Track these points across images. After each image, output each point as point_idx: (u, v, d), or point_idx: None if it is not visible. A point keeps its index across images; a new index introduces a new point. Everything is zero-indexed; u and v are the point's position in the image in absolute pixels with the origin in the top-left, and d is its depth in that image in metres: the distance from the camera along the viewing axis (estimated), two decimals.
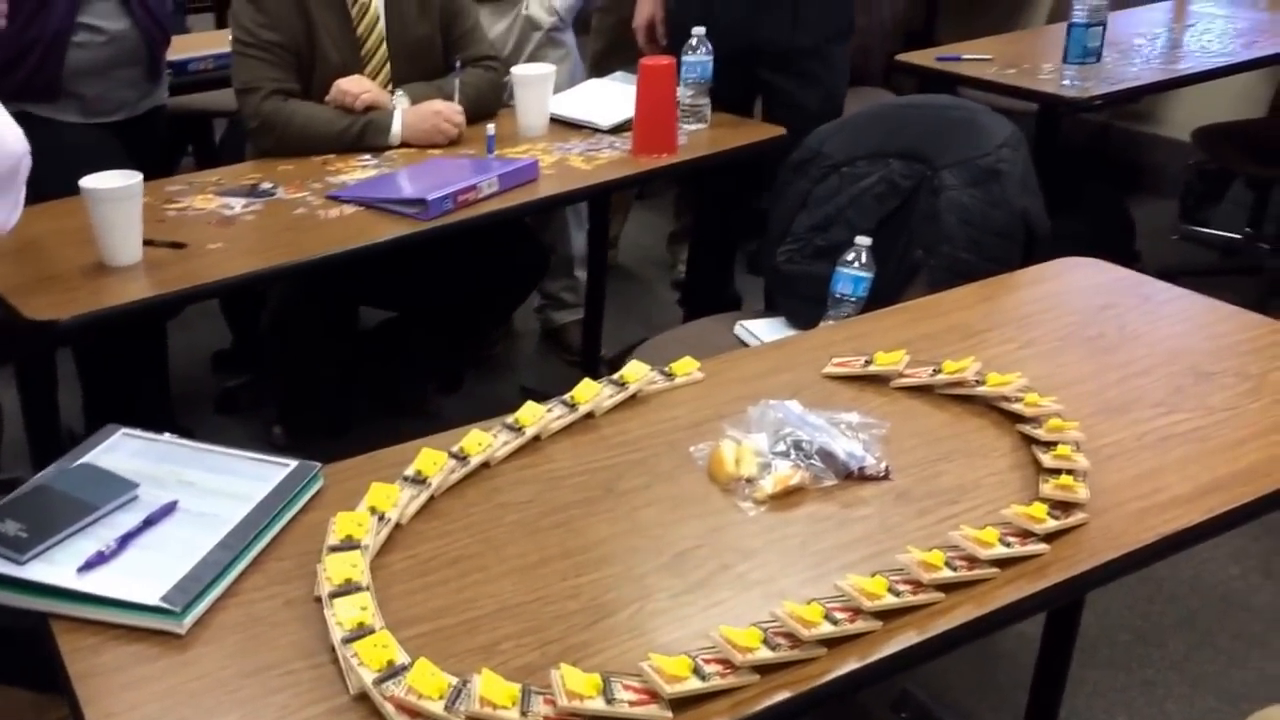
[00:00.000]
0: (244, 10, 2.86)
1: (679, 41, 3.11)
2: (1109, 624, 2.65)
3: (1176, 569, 2.81)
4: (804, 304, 2.46)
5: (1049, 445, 1.57)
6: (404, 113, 2.88)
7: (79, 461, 1.54)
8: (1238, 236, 4.48)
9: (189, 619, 1.29)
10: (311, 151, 2.84)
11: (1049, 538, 1.40)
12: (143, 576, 1.32)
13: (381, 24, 2.95)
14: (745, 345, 2.47)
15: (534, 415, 1.64)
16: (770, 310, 2.66)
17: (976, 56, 3.67)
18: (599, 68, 3.62)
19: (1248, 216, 4.48)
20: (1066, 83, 3.47)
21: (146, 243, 2.34)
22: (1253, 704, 2.31)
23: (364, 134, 2.86)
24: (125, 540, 1.39)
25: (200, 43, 3.82)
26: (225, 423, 3.47)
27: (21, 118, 2.79)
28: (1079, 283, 2.12)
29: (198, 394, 3.56)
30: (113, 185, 2.26)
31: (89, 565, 1.35)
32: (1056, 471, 1.51)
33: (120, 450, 1.58)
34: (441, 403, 3.52)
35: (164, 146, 3.22)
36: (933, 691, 2.44)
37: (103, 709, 1.18)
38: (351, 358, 3.28)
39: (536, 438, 1.63)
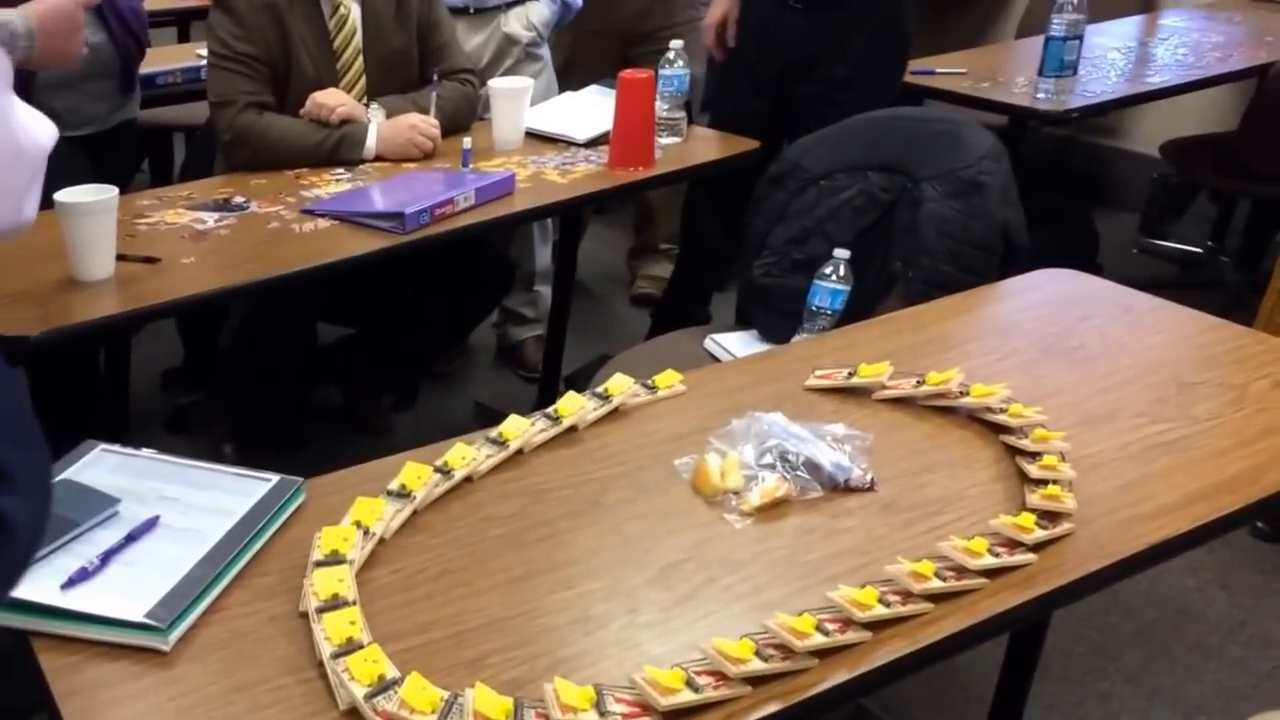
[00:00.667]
0: (220, 23, 2.84)
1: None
2: (1065, 637, 2.62)
3: (1132, 581, 2.73)
4: (779, 318, 2.45)
5: (1034, 456, 1.57)
6: (379, 126, 2.87)
7: (58, 477, 1.52)
8: (1199, 250, 4.52)
9: (174, 635, 1.27)
10: (286, 165, 2.82)
11: (1037, 547, 1.40)
12: (126, 593, 1.31)
13: (359, 36, 2.94)
14: (716, 360, 2.45)
15: (517, 429, 1.63)
16: (742, 324, 2.66)
17: (951, 70, 3.69)
18: (562, 82, 3.61)
19: (1210, 230, 4.52)
20: (1041, 95, 3.50)
21: (119, 258, 2.31)
22: (1209, 716, 2.32)
23: (339, 147, 2.84)
24: (107, 556, 1.37)
25: (166, 56, 3.79)
26: (174, 441, 3.41)
27: None
28: (1058, 294, 2.13)
29: (146, 412, 3.50)
30: (88, 199, 2.24)
31: (71, 582, 1.33)
32: (1043, 482, 1.51)
33: (99, 466, 1.56)
34: (395, 419, 3.47)
35: (132, 161, 3.18)
36: (888, 706, 2.42)
37: None
38: (307, 374, 3.25)
39: (520, 451, 1.62)
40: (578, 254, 4.30)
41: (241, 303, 3.00)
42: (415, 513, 1.48)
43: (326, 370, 3.45)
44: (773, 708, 1.19)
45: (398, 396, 3.54)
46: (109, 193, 2.25)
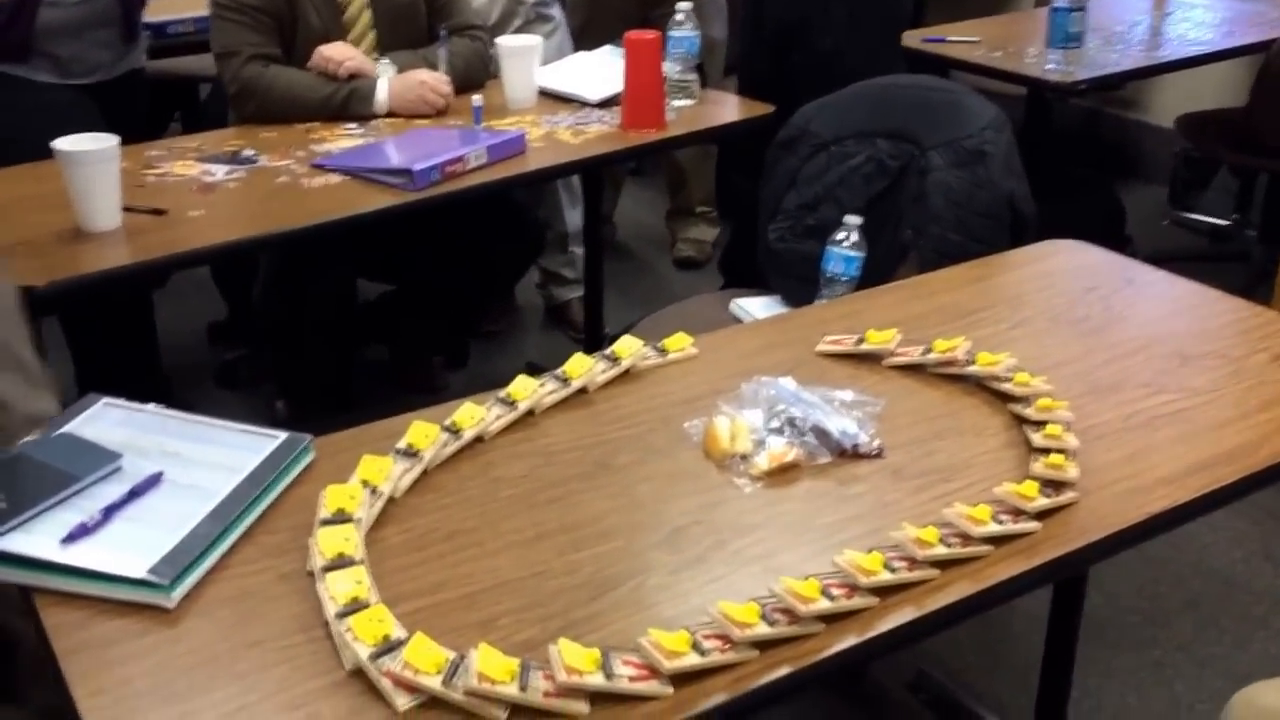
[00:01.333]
0: None
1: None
2: (1117, 606, 2.69)
3: (1181, 551, 2.85)
4: (796, 283, 2.46)
5: (1039, 425, 1.57)
6: (390, 81, 2.85)
7: (58, 431, 1.51)
8: (1226, 223, 4.52)
9: (178, 593, 1.26)
10: (293, 119, 2.81)
11: (1040, 516, 1.41)
12: (128, 549, 1.29)
13: None
14: (740, 322, 2.46)
15: (526, 389, 1.63)
16: (764, 288, 2.65)
17: (963, 39, 3.66)
18: (579, 43, 3.59)
19: (1234, 203, 4.51)
20: (1051, 67, 3.48)
21: (125, 209, 2.30)
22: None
23: (348, 102, 2.82)
24: (109, 512, 1.35)
25: (178, 4, 3.76)
26: (226, 396, 3.43)
27: None
28: (1065, 265, 2.13)
29: (196, 366, 3.52)
30: (88, 148, 2.23)
31: (72, 537, 1.31)
32: (1046, 450, 1.51)
33: (102, 420, 1.54)
34: (448, 378, 3.49)
35: (144, 111, 3.17)
36: (948, 672, 2.47)
37: (92, 685, 1.16)
38: (350, 331, 3.25)
39: (530, 412, 1.62)
40: (616, 216, 4.33)
41: (268, 257, 3.00)
42: (426, 472, 1.48)
43: (371, 327, 3.45)
44: (780, 672, 1.19)
45: (449, 356, 3.55)
46: (109, 141, 2.24)
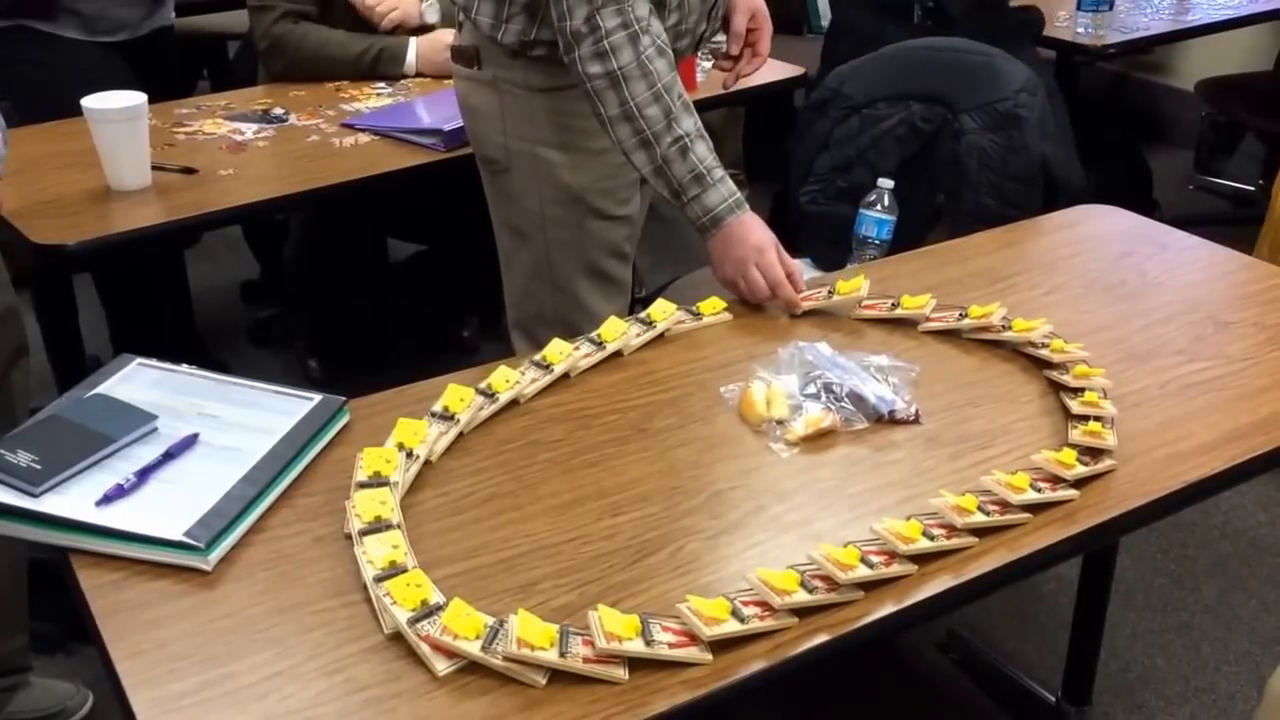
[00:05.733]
0: None
1: None
2: (1144, 568, 2.71)
3: (1207, 515, 2.87)
4: (827, 245, 2.45)
5: (1076, 391, 1.56)
6: (417, 43, 2.83)
7: (92, 392, 1.50)
8: (1251, 188, 4.50)
9: (215, 555, 1.25)
10: (324, 76, 2.79)
11: (1078, 483, 1.40)
12: (164, 511, 1.28)
13: None
14: None
15: (561, 352, 1.62)
16: (795, 252, 2.64)
17: None
18: None
19: (1260, 168, 4.49)
20: (1081, 30, 3.45)
21: (155, 168, 2.30)
22: None
23: (378, 61, 2.81)
24: (144, 474, 1.35)
25: None
26: (259, 355, 3.44)
27: (20, 31, 2.76)
28: (1098, 230, 2.12)
29: (229, 325, 3.53)
30: (116, 106, 2.22)
31: (107, 499, 1.30)
32: (1084, 418, 1.50)
33: (136, 381, 1.53)
34: (482, 339, 3.49)
35: (175, 69, 3.16)
36: (978, 632, 2.49)
37: (129, 646, 1.15)
38: (381, 291, 3.24)
39: (565, 375, 1.61)
40: None
41: (299, 217, 2.99)
42: (461, 435, 1.48)
43: (403, 287, 3.44)
44: (820, 639, 1.18)
45: (484, 316, 3.54)
46: (137, 99, 2.23)
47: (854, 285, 1.79)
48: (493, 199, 2.15)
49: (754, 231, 1.82)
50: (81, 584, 1.24)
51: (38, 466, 1.33)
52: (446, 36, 2.84)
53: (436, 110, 2.57)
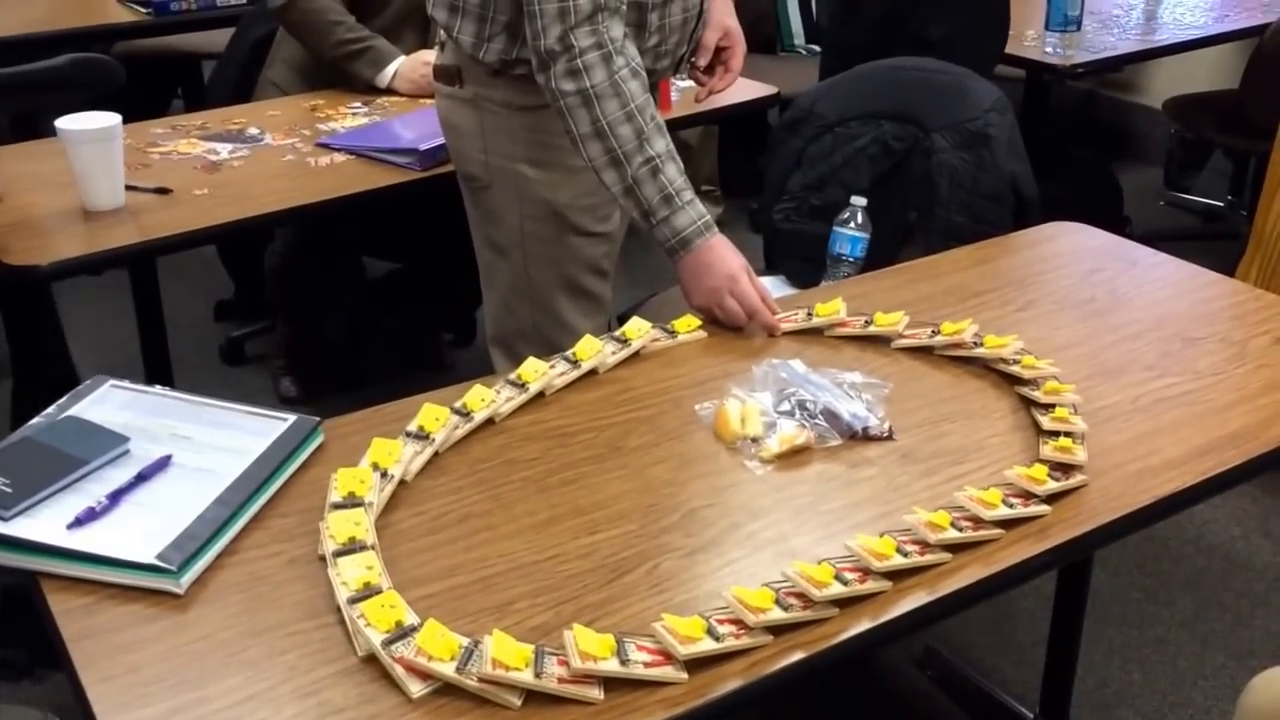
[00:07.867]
0: None
1: None
2: (1120, 584, 2.72)
3: (1181, 530, 2.88)
4: (801, 263, 2.46)
5: (1047, 408, 1.57)
6: (400, 60, 2.84)
7: (65, 414, 1.49)
8: (1220, 204, 4.57)
9: (187, 578, 1.24)
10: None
11: (1050, 499, 1.41)
12: (137, 534, 1.27)
13: None
14: None
15: (537, 371, 1.62)
16: (770, 269, 2.65)
17: None
18: None
19: (1229, 185, 4.54)
20: (1049, 50, 3.49)
21: (129, 188, 2.29)
22: (1260, 660, 2.37)
23: (363, 55, 2.81)
24: (117, 496, 1.34)
25: None
26: (232, 374, 3.43)
27: None
28: (1069, 247, 2.14)
29: (202, 343, 3.51)
30: (90, 126, 2.21)
31: (79, 522, 1.29)
32: (1055, 434, 1.51)
33: (108, 402, 1.53)
34: (457, 357, 3.49)
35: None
36: (955, 649, 2.49)
37: (100, 672, 1.14)
38: (360, 308, 3.23)
39: (540, 394, 1.61)
40: None
41: (280, 236, 2.98)
42: (437, 454, 1.47)
43: (380, 305, 3.44)
44: (795, 657, 1.18)
45: (457, 333, 3.54)
46: (111, 120, 2.22)
47: (832, 309, 1.79)
48: (473, 216, 2.15)
49: (725, 259, 1.82)
50: (52, 608, 1.23)
51: (8, 489, 1.32)
52: (427, 55, 2.85)
53: (412, 130, 2.56)
